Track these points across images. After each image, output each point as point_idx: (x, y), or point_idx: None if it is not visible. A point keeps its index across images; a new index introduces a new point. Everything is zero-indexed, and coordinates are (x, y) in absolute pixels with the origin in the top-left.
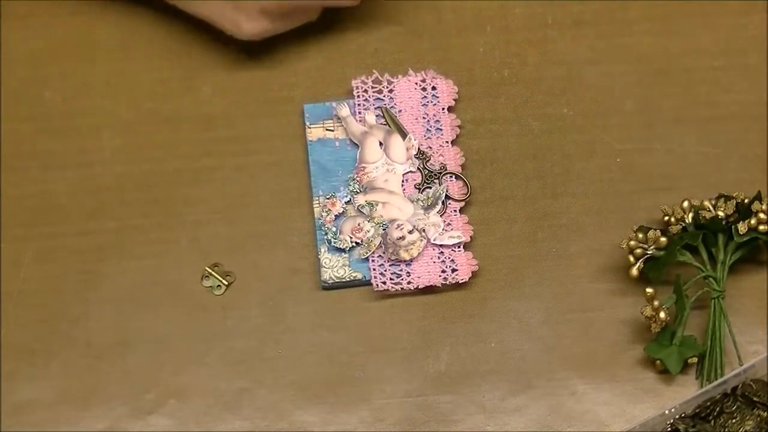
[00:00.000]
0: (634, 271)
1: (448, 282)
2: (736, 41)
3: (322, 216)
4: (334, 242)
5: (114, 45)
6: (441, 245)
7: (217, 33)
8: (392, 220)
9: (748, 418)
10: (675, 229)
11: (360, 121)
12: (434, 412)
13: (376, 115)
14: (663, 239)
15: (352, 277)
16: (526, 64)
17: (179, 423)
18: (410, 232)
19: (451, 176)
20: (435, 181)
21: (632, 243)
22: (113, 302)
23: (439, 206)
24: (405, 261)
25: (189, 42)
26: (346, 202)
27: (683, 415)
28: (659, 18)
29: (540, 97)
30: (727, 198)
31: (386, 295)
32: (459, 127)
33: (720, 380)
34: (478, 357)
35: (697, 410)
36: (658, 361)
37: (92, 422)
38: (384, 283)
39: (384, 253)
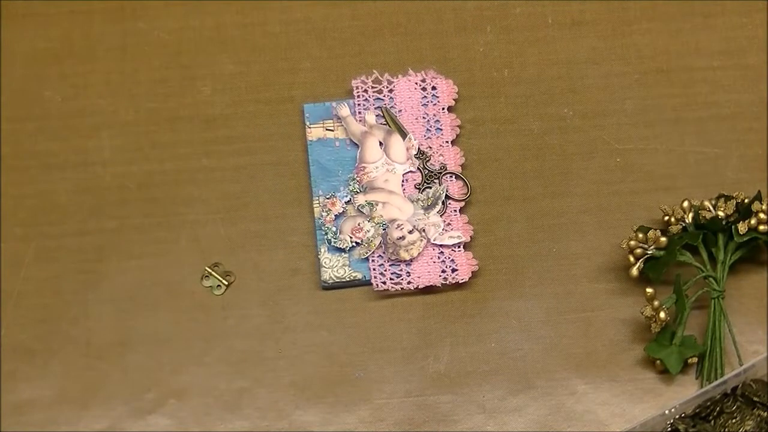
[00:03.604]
0: (634, 271)
1: (448, 282)
2: (736, 41)
3: (322, 216)
4: (334, 242)
5: (114, 45)
6: (441, 245)
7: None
8: (392, 220)
9: (748, 418)
10: (675, 229)
11: (360, 121)
12: (434, 412)
13: (376, 115)
14: (663, 239)
15: (352, 277)
16: (526, 64)
17: (179, 423)
18: (410, 232)
19: (451, 176)
20: (435, 181)
21: (632, 243)
22: (113, 302)
23: (439, 206)
24: (405, 261)
25: (189, 42)
26: (346, 202)
27: (683, 415)
28: (659, 18)
29: (540, 97)
30: (727, 198)
31: (386, 295)
32: (459, 127)
33: (720, 380)
34: (478, 357)
35: (697, 410)
36: (658, 361)
37: (92, 422)
38: (384, 283)
39: (384, 253)
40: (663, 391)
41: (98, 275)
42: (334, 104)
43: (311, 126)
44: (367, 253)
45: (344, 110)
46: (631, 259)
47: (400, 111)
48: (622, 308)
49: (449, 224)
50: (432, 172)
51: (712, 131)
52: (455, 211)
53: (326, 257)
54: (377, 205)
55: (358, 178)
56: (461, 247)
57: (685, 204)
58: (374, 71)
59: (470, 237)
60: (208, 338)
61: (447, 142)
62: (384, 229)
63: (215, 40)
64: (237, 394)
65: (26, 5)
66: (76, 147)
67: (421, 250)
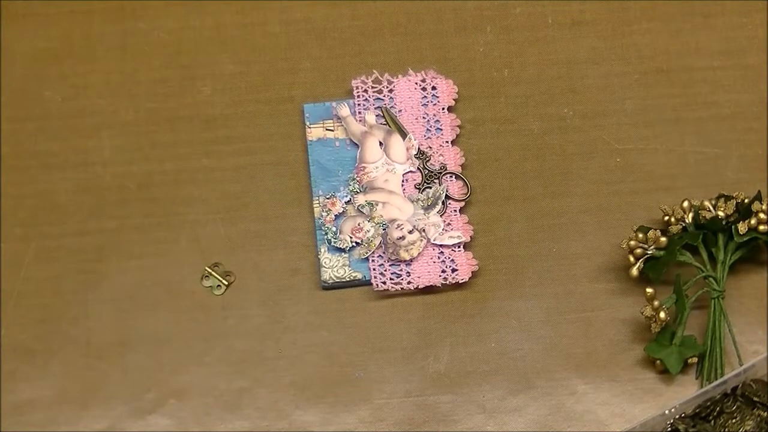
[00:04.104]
0: (634, 271)
1: (448, 282)
2: (736, 41)
3: (322, 216)
4: (334, 242)
5: (114, 45)
6: (441, 245)
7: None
8: (392, 220)
9: (748, 418)
10: (675, 229)
11: (360, 121)
12: (434, 412)
13: (376, 115)
14: (663, 239)
15: (352, 277)
16: (526, 64)
17: (179, 423)
18: (410, 232)
19: (451, 176)
20: (435, 181)
21: (632, 243)
22: (113, 302)
23: (439, 206)
24: (405, 261)
25: (189, 42)
26: (346, 202)
27: (683, 415)
28: (659, 18)
29: (540, 97)
30: (727, 198)
31: (386, 295)
32: (459, 127)
33: (720, 380)
34: (478, 357)
35: (697, 410)
36: (658, 361)
37: (92, 422)
38: (384, 283)
39: (384, 253)
40: (663, 391)
41: (98, 275)
42: (334, 104)
43: (311, 126)
44: (367, 253)
45: (344, 110)
46: (631, 259)
47: (400, 111)
48: (622, 308)
49: (449, 224)
50: (432, 172)
51: (712, 131)
52: (455, 211)
53: (326, 257)
54: (377, 205)
55: (358, 178)
56: (461, 247)
57: (685, 204)
58: (374, 71)
59: (470, 237)
60: (208, 338)
61: (447, 142)
62: (384, 229)
63: (215, 40)
64: (237, 394)
65: (26, 5)
66: (76, 147)
67: (421, 250)
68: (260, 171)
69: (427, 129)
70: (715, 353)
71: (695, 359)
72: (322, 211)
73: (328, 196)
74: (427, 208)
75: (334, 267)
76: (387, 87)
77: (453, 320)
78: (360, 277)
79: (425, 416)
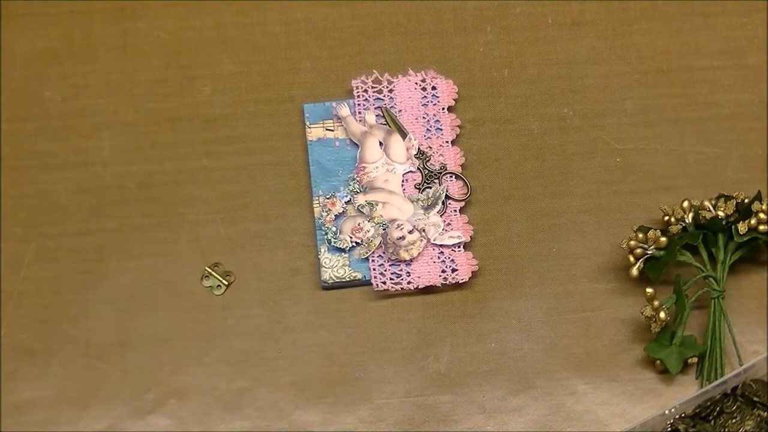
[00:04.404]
0: (634, 271)
1: (448, 282)
2: (736, 41)
3: (322, 216)
4: (334, 242)
5: (114, 45)
6: (441, 245)
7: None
8: (392, 220)
9: (748, 418)
10: (675, 229)
11: (360, 121)
12: (434, 412)
13: (376, 115)
14: (663, 239)
15: (352, 277)
16: (526, 64)
17: (179, 423)
18: (410, 232)
19: (451, 176)
20: (435, 181)
21: (632, 243)
22: (113, 302)
23: (439, 206)
24: (405, 261)
25: (189, 42)
26: (346, 202)
27: (683, 415)
28: (659, 18)
29: (540, 97)
30: (727, 198)
31: (386, 295)
32: (459, 127)
33: (720, 380)
34: (478, 357)
35: (697, 410)
36: (658, 361)
37: (92, 422)
38: (384, 283)
39: (384, 253)
40: (663, 391)
41: (98, 275)
42: (334, 104)
43: (311, 126)
44: (367, 253)
45: (344, 110)
46: (631, 259)
47: (400, 111)
48: (622, 308)
49: (449, 224)
50: (432, 172)
51: (712, 131)
52: (455, 211)
53: (326, 257)
54: (377, 205)
55: (358, 178)
56: (461, 247)
57: (685, 204)
58: (374, 71)
59: (470, 237)
60: (208, 338)
61: (447, 142)
62: (384, 229)
63: (215, 40)
64: (237, 394)
65: (26, 5)
66: (76, 147)
67: (421, 250)
68: (260, 171)
69: (427, 129)
70: (715, 353)
71: (695, 359)
72: (322, 211)
73: (328, 196)
74: (427, 208)
75: (334, 267)
76: (387, 87)
77: (453, 320)
78: (360, 277)
79: (425, 416)
